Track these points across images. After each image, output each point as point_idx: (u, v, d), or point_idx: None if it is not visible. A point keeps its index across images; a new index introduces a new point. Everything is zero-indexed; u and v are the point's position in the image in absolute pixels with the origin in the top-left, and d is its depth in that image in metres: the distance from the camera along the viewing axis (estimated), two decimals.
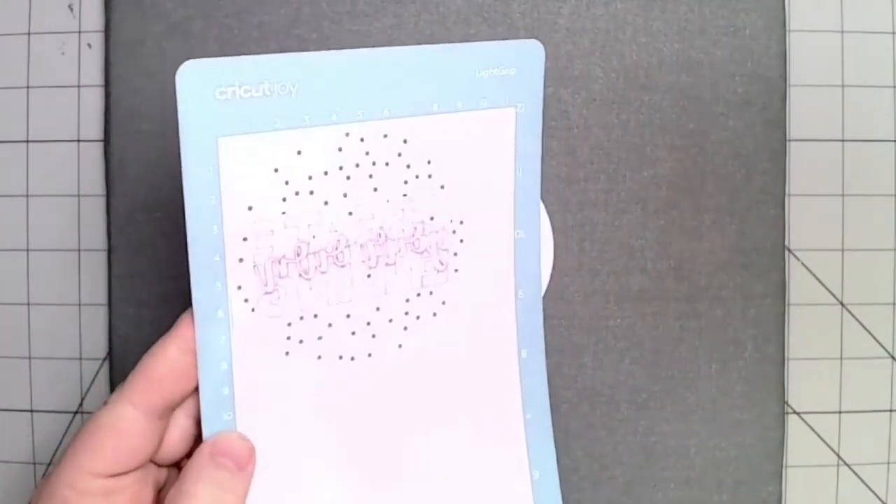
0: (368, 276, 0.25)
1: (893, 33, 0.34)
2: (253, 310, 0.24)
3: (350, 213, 0.25)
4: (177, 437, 0.25)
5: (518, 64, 0.26)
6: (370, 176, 0.25)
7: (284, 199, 0.24)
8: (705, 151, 0.33)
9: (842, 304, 0.34)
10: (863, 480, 0.34)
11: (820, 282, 0.34)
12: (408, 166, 0.25)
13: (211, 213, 0.23)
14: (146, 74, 0.32)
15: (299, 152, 0.24)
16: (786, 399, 0.33)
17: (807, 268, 0.34)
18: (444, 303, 0.26)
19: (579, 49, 0.32)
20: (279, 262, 0.24)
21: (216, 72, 0.22)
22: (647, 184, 0.32)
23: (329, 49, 0.33)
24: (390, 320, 0.26)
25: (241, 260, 0.24)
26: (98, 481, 0.23)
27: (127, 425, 0.23)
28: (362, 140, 0.25)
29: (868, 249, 0.34)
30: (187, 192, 0.23)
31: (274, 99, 0.23)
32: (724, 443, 0.32)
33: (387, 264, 0.26)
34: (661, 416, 0.32)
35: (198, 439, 0.25)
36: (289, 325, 0.25)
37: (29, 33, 0.33)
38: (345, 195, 0.25)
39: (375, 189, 0.25)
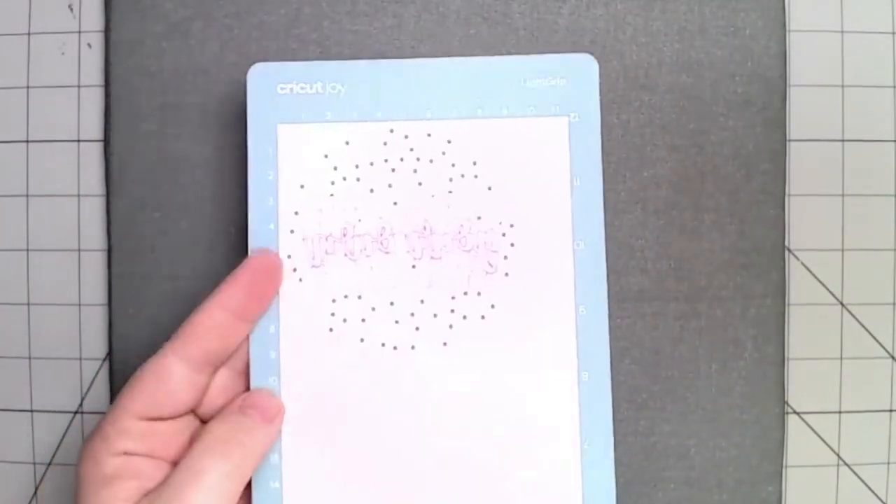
0: (413, 266, 0.27)
1: (893, 33, 0.34)
2: (301, 280, 0.27)
3: (395, 203, 0.27)
4: (219, 388, 0.26)
5: (569, 75, 0.28)
6: (414, 171, 0.27)
7: (333, 183, 0.27)
8: (705, 151, 0.33)
9: (842, 304, 0.34)
10: (863, 480, 0.34)
11: (820, 282, 0.34)
12: (453, 165, 0.27)
13: (269, 187, 0.27)
14: (146, 74, 0.32)
15: (347, 142, 0.27)
16: (786, 399, 0.33)
17: (807, 268, 0.34)
18: (493, 306, 0.27)
19: (579, 49, 0.32)
20: (326, 240, 0.27)
21: (279, 72, 0.27)
22: (647, 184, 0.32)
23: (330, 48, 0.33)
24: (435, 315, 0.27)
25: (292, 231, 0.27)
26: (137, 423, 0.24)
27: (167, 372, 0.25)
28: (406, 137, 0.27)
29: (868, 249, 0.34)
30: (251, 169, 0.27)
31: (326, 96, 0.27)
32: (724, 443, 0.32)
33: (432, 258, 0.27)
34: (661, 416, 0.32)
35: (238, 393, 0.26)
36: (333, 301, 0.27)
37: (29, 33, 0.33)
38: (389, 185, 0.27)
39: (420, 183, 0.27)
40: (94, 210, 0.33)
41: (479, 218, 0.27)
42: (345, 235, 0.27)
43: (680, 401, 0.32)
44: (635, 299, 0.32)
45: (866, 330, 0.34)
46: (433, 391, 0.27)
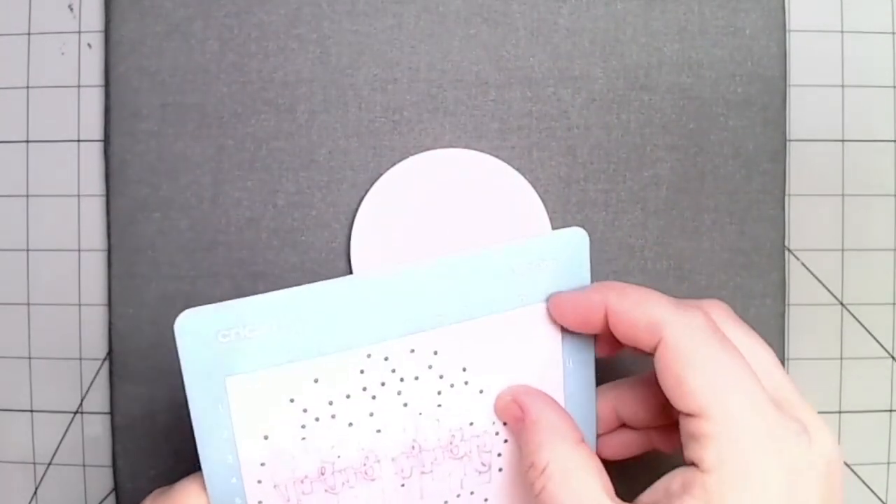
0: (402, 485, 0.24)
1: (893, 33, 0.34)
2: None
3: (378, 431, 0.24)
4: None
5: (557, 254, 0.24)
6: (398, 392, 0.24)
7: (304, 426, 0.23)
8: (705, 151, 0.33)
9: (842, 304, 0.34)
10: (863, 480, 0.34)
11: (820, 282, 0.34)
12: (441, 377, 0.24)
13: (224, 444, 0.23)
14: (146, 74, 0.32)
15: (316, 380, 0.23)
16: None
17: (807, 268, 0.34)
18: (486, 500, 0.26)
19: (579, 49, 0.32)
20: (302, 482, 0.24)
21: (216, 318, 0.22)
22: (647, 184, 0.32)
23: (330, 48, 0.33)
24: None
25: (259, 482, 0.23)
26: None
27: None
28: (386, 359, 0.24)
29: (868, 249, 0.34)
30: (197, 430, 0.22)
31: (282, 335, 0.22)
32: None
33: (422, 473, 0.25)
34: None
35: None
36: None
37: (29, 33, 0.33)
38: (371, 414, 0.24)
39: (405, 404, 0.24)
40: (94, 210, 0.33)
41: (471, 424, 0.25)
42: (323, 475, 0.24)
43: None
44: None
45: (866, 330, 0.34)
46: None
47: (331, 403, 0.23)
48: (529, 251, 0.24)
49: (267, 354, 0.22)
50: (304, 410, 0.23)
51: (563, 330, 0.25)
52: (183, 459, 0.32)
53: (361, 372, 0.23)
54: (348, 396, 0.24)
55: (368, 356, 0.23)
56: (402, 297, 0.23)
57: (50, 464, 0.33)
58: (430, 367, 0.24)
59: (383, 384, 0.24)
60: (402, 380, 0.24)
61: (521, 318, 0.24)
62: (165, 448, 0.32)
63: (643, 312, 0.22)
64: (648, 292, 0.23)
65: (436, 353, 0.24)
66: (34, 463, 0.33)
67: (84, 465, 0.33)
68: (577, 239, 0.24)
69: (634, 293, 0.23)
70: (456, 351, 0.24)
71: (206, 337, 0.22)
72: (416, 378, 0.24)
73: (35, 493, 0.33)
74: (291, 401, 0.23)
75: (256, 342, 0.22)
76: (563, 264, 0.24)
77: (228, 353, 0.22)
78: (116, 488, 0.32)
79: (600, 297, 0.23)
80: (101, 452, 0.33)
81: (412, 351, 0.24)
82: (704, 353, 0.21)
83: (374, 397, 0.24)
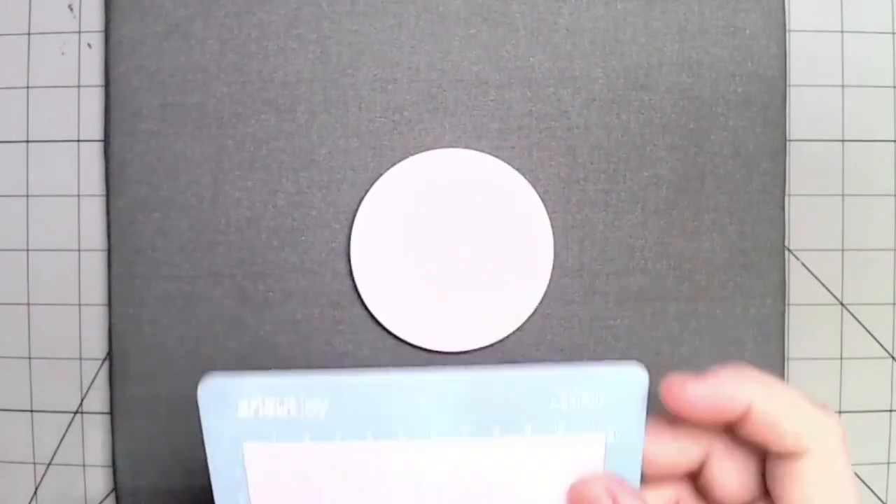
0: None
1: (893, 33, 0.34)
2: None
3: None
4: None
5: (609, 391, 0.23)
6: (418, 497, 0.23)
7: None
8: (705, 151, 0.33)
9: (842, 304, 0.34)
10: (863, 480, 0.34)
11: (820, 282, 0.34)
12: (464, 491, 0.24)
13: None
14: (146, 74, 0.32)
15: (333, 466, 0.23)
16: None
17: (807, 268, 0.34)
18: None
19: (579, 49, 0.32)
20: None
21: (239, 388, 0.22)
22: (647, 184, 0.32)
23: (330, 48, 0.33)
24: None
25: None
26: None
27: None
28: (406, 460, 0.23)
29: (868, 249, 0.34)
30: (216, 490, 0.23)
31: (301, 415, 0.22)
32: None
33: None
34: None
35: None
36: None
37: (29, 33, 0.33)
38: None
39: None
40: (94, 210, 0.33)
41: None
42: None
43: None
44: (635, 299, 0.32)
45: (866, 330, 0.34)
46: None
47: (346, 492, 0.23)
48: (572, 382, 0.23)
49: (284, 431, 0.22)
50: (319, 490, 0.23)
51: (606, 469, 0.24)
52: (182, 459, 0.32)
53: (378, 468, 0.23)
54: (364, 490, 0.23)
55: (390, 451, 0.23)
56: (430, 402, 0.23)
57: (50, 464, 0.33)
58: (452, 478, 0.23)
59: (400, 484, 0.23)
60: (420, 484, 0.23)
61: (559, 447, 0.23)
62: (165, 448, 0.32)
63: (794, 421, 0.21)
64: (795, 394, 0.21)
65: (459, 464, 0.23)
66: (34, 463, 0.33)
67: (84, 465, 0.33)
68: (632, 379, 0.23)
69: (784, 394, 0.21)
70: (482, 467, 0.23)
71: (227, 404, 0.22)
72: (439, 487, 0.23)
73: (35, 493, 0.33)
74: (306, 479, 0.23)
75: (275, 418, 0.22)
76: (613, 399, 0.23)
77: (248, 422, 0.22)
78: (116, 488, 0.32)
79: (746, 393, 0.21)
80: (101, 452, 0.33)
81: (434, 458, 0.23)
82: (847, 475, 0.20)
83: (391, 496, 0.23)
